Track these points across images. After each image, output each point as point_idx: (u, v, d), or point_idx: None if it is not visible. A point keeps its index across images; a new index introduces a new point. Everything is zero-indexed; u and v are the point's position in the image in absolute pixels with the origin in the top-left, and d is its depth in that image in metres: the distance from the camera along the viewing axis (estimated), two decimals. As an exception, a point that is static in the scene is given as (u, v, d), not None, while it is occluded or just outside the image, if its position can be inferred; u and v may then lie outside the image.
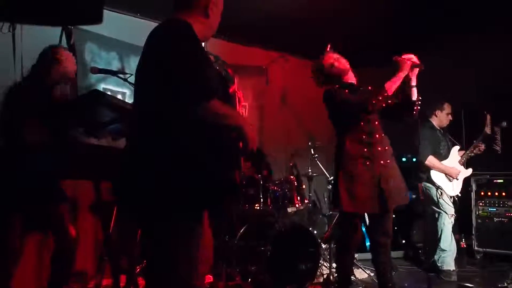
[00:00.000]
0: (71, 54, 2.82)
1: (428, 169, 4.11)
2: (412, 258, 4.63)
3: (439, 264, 4.04)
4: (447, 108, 4.28)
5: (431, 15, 4.73)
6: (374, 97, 2.78)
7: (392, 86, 2.79)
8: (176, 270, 1.64)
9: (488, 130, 4.18)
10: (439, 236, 4.06)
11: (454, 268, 4.06)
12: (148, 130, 1.68)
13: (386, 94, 2.76)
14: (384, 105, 2.79)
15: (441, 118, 4.28)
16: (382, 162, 2.87)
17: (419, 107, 2.92)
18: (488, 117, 4.18)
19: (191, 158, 1.64)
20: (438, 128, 4.29)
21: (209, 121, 1.66)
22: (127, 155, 1.74)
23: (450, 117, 4.30)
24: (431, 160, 4.09)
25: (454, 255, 4.12)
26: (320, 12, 4.64)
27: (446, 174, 4.13)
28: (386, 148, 2.95)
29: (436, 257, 4.06)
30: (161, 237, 1.65)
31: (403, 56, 2.84)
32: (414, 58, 2.84)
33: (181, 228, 1.65)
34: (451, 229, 4.08)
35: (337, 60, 2.99)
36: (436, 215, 4.09)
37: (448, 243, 4.07)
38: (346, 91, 2.94)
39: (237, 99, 2.16)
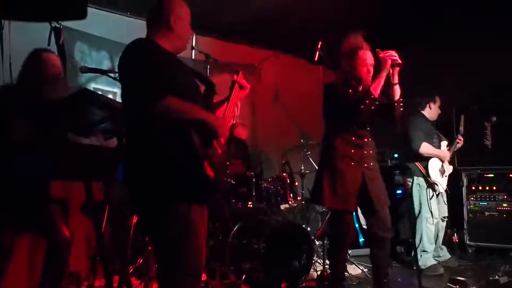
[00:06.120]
0: (56, 56, 2.78)
1: (424, 158, 4.12)
2: (401, 255, 4.65)
3: (421, 264, 3.99)
4: (438, 101, 4.37)
5: (430, 14, 4.78)
6: (361, 101, 2.81)
7: (377, 87, 2.81)
8: (180, 257, 1.79)
9: (462, 129, 4.34)
10: (420, 236, 4.08)
11: (436, 262, 4.10)
12: (132, 136, 1.89)
13: (372, 96, 2.80)
14: (372, 108, 2.82)
15: (433, 110, 4.35)
16: (366, 165, 2.95)
17: (402, 105, 2.90)
18: (463, 117, 4.33)
19: (164, 159, 1.78)
20: (430, 120, 4.34)
21: (169, 118, 1.76)
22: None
23: (439, 110, 4.39)
24: (425, 146, 4.11)
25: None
26: (312, 10, 4.63)
27: (440, 158, 4.18)
28: (371, 151, 3.02)
29: (418, 256, 4.04)
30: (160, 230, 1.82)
31: (385, 53, 2.82)
32: (394, 54, 2.82)
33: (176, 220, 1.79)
34: (433, 230, 4.12)
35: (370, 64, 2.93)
36: (418, 215, 4.10)
37: (429, 244, 4.10)
38: (350, 91, 2.94)
39: (233, 96, 2.11)
